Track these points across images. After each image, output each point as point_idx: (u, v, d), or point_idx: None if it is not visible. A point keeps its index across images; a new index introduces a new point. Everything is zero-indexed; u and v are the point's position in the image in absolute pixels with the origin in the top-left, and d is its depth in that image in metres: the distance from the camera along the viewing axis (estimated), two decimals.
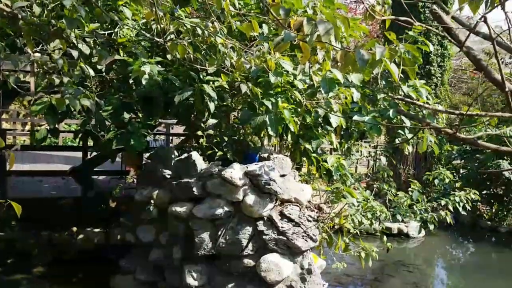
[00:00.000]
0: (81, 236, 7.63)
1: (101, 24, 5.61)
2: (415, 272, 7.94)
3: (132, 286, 5.83)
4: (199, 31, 4.40)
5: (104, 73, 6.13)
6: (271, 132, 4.98)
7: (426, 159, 13.43)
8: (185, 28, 4.35)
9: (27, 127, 15.59)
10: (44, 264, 7.18)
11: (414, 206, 6.75)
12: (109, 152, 6.35)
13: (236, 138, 6.00)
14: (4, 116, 13.98)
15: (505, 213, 11.13)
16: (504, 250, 9.96)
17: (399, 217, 6.68)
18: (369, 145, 12.33)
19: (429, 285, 7.39)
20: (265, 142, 6.78)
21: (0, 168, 8.11)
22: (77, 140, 7.68)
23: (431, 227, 6.59)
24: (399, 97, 5.23)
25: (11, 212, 7.67)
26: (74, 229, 7.73)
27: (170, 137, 12.70)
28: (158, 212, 5.67)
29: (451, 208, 6.73)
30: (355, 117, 5.66)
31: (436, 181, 7.49)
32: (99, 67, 5.59)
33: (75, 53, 4.15)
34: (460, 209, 6.78)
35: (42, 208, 8.06)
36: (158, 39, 4.15)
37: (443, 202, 6.80)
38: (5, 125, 13.66)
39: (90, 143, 6.94)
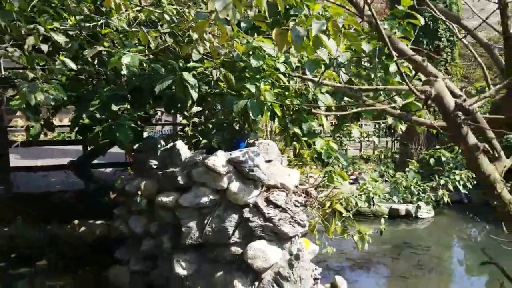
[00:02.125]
0: (83, 228, 7.71)
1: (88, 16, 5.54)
2: (420, 253, 7.79)
3: (128, 276, 5.88)
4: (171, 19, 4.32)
5: (89, 66, 6.12)
6: (253, 116, 4.90)
7: (438, 138, 13.11)
8: (155, 16, 4.26)
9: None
10: (47, 258, 7.29)
11: (412, 187, 6.60)
12: (98, 146, 6.38)
13: (225, 124, 5.93)
14: None
15: None
16: None
17: (395, 199, 6.54)
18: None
19: (433, 265, 7.23)
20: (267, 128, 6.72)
21: (4, 165, 8.24)
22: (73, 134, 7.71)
23: (428, 207, 6.43)
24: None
25: (15, 207, 7.83)
26: (76, 222, 7.84)
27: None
28: (147, 203, 5.68)
29: (451, 187, 6.56)
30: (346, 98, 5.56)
31: (431, 160, 7.30)
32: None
33: (44, 47, 4.12)
34: (461, 187, 6.60)
35: (45, 202, 8.20)
36: (127, 28, 4.08)
37: (442, 182, 6.63)
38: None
39: None
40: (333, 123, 7.31)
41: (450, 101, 1.81)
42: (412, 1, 4.31)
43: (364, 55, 5.81)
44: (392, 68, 5.68)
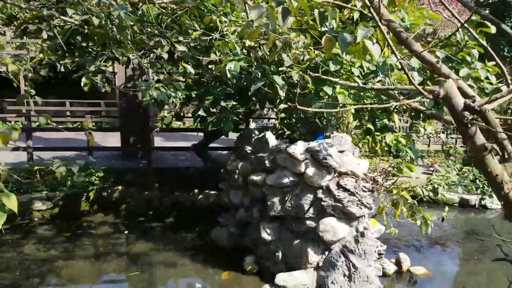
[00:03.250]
0: (200, 196, 8.06)
1: (207, 29, 5.66)
2: (484, 240, 6.90)
3: (226, 237, 6.00)
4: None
5: (207, 71, 6.28)
6: (326, 115, 4.66)
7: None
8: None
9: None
10: (174, 217, 7.73)
11: (477, 181, 5.82)
12: (209, 133, 6.54)
13: (308, 120, 5.73)
14: None
15: None
16: None
17: (460, 190, 5.81)
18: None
19: (492, 252, 6.36)
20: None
21: (147, 145, 8.89)
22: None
23: (491, 199, 5.61)
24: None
25: (153, 178, 8.41)
26: (196, 191, 8.20)
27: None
28: (243, 180, 5.71)
29: None
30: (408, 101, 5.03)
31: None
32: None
33: (164, 55, 4.28)
34: None
35: (175, 174, 8.70)
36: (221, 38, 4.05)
37: None
38: None
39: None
40: (407, 121, 6.71)
41: (459, 101, 1.49)
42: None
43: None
44: (462, 72, 5.05)
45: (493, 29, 4.46)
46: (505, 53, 11.21)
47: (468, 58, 5.46)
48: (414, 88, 1.47)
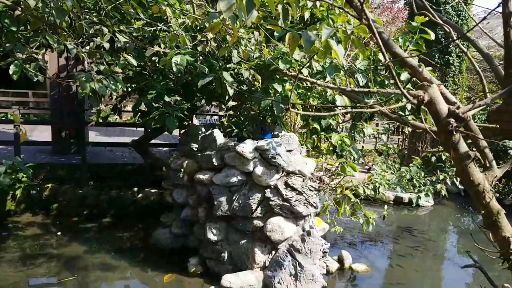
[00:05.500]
0: (140, 195, 7.73)
1: (153, 20, 5.38)
2: (417, 236, 7.36)
3: (169, 237, 5.81)
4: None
5: (148, 64, 6.01)
6: (276, 112, 4.66)
7: None
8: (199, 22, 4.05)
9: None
10: (111, 216, 7.35)
11: (414, 180, 6.20)
12: (152, 129, 6.27)
13: (256, 118, 5.71)
14: None
15: None
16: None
17: (398, 189, 6.15)
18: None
19: (428, 247, 6.81)
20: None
21: (81, 140, 8.34)
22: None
23: (427, 198, 6.01)
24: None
25: (88, 174, 7.91)
26: (135, 189, 7.86)
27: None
28: (188, 179, 5.55)
29: (449, 182, 6.11)
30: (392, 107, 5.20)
31: (433, 158, 6.84)
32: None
33: (106, 45, 4.00)
34: (457, 183, 6.14)
35: (112, 171, 8.27)
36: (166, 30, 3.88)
37: (441, 177, 6.19)
38: None
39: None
40: (350, 122, 6.95)
41: (443, 107, 1.52)
42: (428, 18, 3.93)
43: (381, 64, 5.45)
44: (403, 76, 5.30)
45: (432, 36, 4.74)
46: (436, 59, 12.02)
47: None
48: (399, 92, 1.46)
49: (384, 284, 5.58)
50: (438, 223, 8.54)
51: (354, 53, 5.14)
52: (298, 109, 4.83)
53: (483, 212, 1.69)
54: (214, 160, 5.06)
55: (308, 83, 5.07)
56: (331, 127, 5.70)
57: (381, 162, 8.72)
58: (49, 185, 7.50)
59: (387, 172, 7.69)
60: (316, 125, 5.41)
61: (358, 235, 7.14)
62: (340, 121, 5.51)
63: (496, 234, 1.72)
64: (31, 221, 6.89)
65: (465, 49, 2.62)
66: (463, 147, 1.56)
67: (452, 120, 1.49)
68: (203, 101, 6.38)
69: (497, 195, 10.19)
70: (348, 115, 7.03)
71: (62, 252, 5.75)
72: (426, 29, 4.74)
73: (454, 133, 1.50)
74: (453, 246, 7.43)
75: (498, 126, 1.90)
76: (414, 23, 4.90)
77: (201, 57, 5.51)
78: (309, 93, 5.34)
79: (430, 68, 6.15)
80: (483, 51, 2.44)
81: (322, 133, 5.59)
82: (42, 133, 10.12)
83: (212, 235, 5.03)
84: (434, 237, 7.50)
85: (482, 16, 15.96)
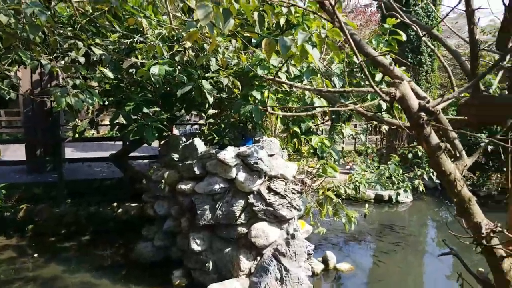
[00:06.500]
0: (120, 210, 7.62)
1: (130, 31, 5.36)
2: (399, 232, 7.54)
3: (151, 250, 5.76)
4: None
5: (125, 76, 5.98)
6: (255, 119, 4.73)
7: None
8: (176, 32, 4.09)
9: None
10: (90, 233, 7.21)
11: (393, 177, 6.37)
12: (130, 141, 6.22)
13: (237, 124, 5.76)
14: None
15: (485, 179, 10.47)
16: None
17: (378, 187, 6.31)
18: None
19: (409, 242, 6.98)
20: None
21: (58, 157, 8.18)
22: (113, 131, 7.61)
23: (406, 194, 6.19)
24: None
25: (65, 191, 7.76)
26: (115, 204, 7.75)
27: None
28: (169, 190, 5.54)
29: (426, 177, 6.31)
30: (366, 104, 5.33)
31: (410, 155, 7.06)
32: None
33: (81, 59, 3.99)
34: (434, 178, 6.35)
35: (90, 187, 8.14)
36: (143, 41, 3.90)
37: (419, 173, 6.39)
38: None
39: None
40: (329, 124, 7.08)
41: (414, 103, 1.62)
42: (400, 20, 4.09)
43: (356, 66, 5.60)
44: (378, 77, 5.47)
45: (404, 37, 4.93)
46: (409, 59, 12.38)
47: None
48: (372, 90, 1.55)
49: (368, 281, 5.69)
50: (418, 218, 8.77)
51: (330, 57, 5.28)
52: (276, 111, 4.91)
53: (455, 200, 1.79)
54: (195, 169, 5.08)
55: (287, 88, 5.17)
56: (311, 130, 5.82)
57: (361, 161, 8.91)
58: (24, 206, 7.31)
59: (366, 171, 7.88)
60: (296, 129, 5.51)
61: (341, 235, 7.26)
62: (319, 123, 5.61)
63: (468, 221, 1.82)
64: (5, 244, 6.68)
65: (433, 47, 2.76)
66: (434, 139, 1.66)
67: (423, 114, 1.58)
68: (182, 111, 6.39)
69: (471, 188, 10.57)
70: (327, 117, 7.19)
71: (39, 274, 5.60)
72: (398, 30, 4.94)
73: (425, 126, 1.59)
74: (433, 239, 7.64)
75: (466, 118, 2.02)
76: (386, 25, 5.10)
77: (179, 67, 5.54)
78: (288, 98, 5.44)
79: (403, 67, 6.37)
80: (451, 48, 2.58)
81: (303, 136, 5.69)
82: (15, 152, 9.86)
83: (196, 245, 5.02)
84: (414, 232, 7.70)
85: (452, 16, 16.54)
